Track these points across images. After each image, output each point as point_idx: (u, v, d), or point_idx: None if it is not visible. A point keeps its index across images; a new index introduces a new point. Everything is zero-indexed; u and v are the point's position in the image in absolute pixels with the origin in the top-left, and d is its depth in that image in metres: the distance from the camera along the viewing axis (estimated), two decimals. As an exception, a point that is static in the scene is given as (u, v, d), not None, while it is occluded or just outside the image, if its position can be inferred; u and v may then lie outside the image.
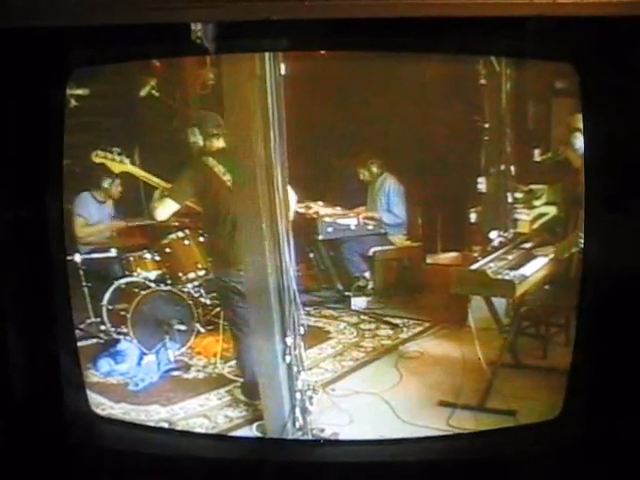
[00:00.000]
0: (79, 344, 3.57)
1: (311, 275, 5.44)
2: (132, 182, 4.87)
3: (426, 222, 5.48)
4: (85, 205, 4.96)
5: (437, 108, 4.84)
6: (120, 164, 4.65)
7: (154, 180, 4.63)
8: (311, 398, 4.10)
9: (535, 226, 4.67)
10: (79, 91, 4.15)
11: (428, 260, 5.44)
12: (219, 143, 4.46)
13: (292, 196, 4.40)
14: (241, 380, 4.51)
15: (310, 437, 3.98)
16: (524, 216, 4.71)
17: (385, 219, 5.41)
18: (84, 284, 4.74)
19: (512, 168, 4.84)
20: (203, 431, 4.19)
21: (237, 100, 3.85)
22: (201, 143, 4.47)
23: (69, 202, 4.57)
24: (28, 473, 3.21)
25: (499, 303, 4.51)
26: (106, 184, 4.98)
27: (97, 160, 4.60)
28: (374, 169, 5.38)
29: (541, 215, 4.62)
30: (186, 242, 5.07)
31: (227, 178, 4.35)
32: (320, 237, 5.40)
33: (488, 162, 4.87)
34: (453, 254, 5.27)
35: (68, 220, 4.50)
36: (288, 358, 3.97)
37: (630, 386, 2.94)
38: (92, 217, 5.01)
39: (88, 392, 3.53)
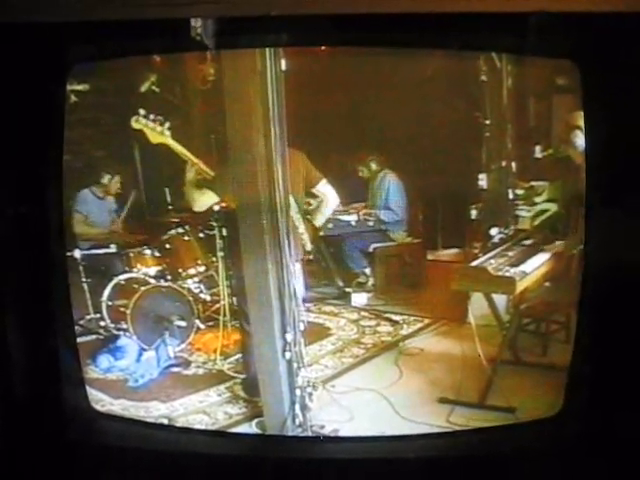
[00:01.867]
0: (79, 340, 3.57)
1: (311, 271, 5.44)
2: (132, 179, 4.87)
3: (426, 219, 5.48)
4: (85, 202, 4.96)
5: (438, 104, 4.83)
6: (160, 135, 4.43)
7: (191, 158, 4.49)
8: (311, 395, 4.10)
9: (536, 223, 4.66)
10: (79, 87, 4.14)
11: (428, 256, 5.45)
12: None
13: (332, 197, 4.42)
14: (243, 376, 4.51)
15: (310, 434, 3.98)
16: (525, 213, 4.71)
17: (385, 216, 5.41)
18: (84, 280, 4.75)
19: (513, 165, 4.84)
20: (203, 427, 4.19)
21: (237, 96, 3.84)
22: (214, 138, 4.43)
23: (69, 199, 4.56)
24: (28, 469, 3.21)
25: (499, 300, 4.51)
26: (105, 180, 4.98)
27: (137, 126, 4.38)
28: (373, 166, 5.38)
29: (542, 212, 4.61)
30: (186, 238, 5.07)
31: None
32: (320, 233, 5.40)
33: (489, 159, 4.87)
34: (453, 250, 5.27)
35: (68, 217, 4.49)
36: (288, 354, 3.97)
37: (630, 383, 2.94)
38: (92, 214, 5.00)
39: (88, 388, 3.53)
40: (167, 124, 4.38)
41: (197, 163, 4.47)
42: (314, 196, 4.59)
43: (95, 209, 5.03)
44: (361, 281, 5.43)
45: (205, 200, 4.51)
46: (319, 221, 4.74)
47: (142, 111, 4.35)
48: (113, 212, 5.12)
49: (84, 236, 4.92)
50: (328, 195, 4.61)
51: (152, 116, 4.35)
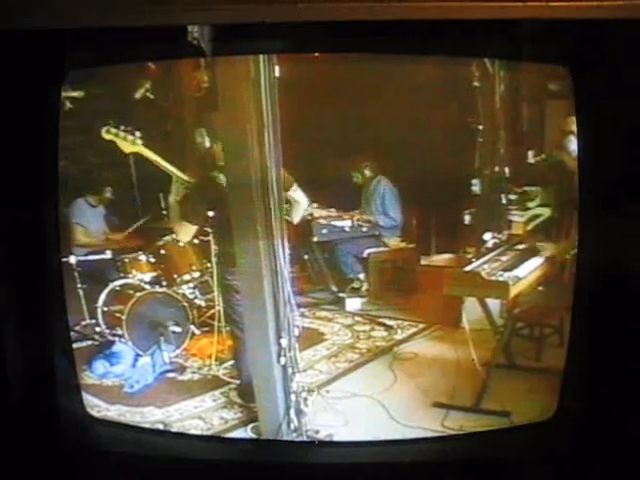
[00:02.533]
0: (74, 346, 3.57)
1: (305, 277, 5.44)
2: (126, 185, 4.87)
3: (420, 224, 5.48)
4: (81, 212, 4.96)
5: (431, 110, 4.84)
6: (131, 144, 4.48)
7: (165, 166, 4.53)
8: (306, 399, 4.11)
9: (529, 228, 4.68)
10: (74, 93, 4.15)
11: (422, 262, 5.44)
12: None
13: (301, 199, 4.43)
14: (238, 382, 4.51)
15: (305, 438, 3.99)
16: (518, 218, 4.72)
17: (379, 221, 5.42)
18: (79, 286, 4.73)
19: (506, 170, 4.84)
20: (198, 433, 4.20)
21: (231, 102, 3.85)
22: (208, 144, 4.46)
23: (65, 207, 4.55)
24: (23, 475, 3.21)
25: (493, 304, 4.52)
26: (94, 189, 4.97)
27: (107, 137, 4.43)
28: (367, 172, 5.39)
29: (535, 217, 4.63)
30: (181, 244, 5.07)
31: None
32: (315, 239, 5.40)
33: (482, 164, 4.88)
34: (447, 256, 5.27)
35: (65, 226, 4.49)
36: (283, 359, 3.98)
37: (623, 386, 2.95)
38: (90, 224, 5.00)
39: (83, 394, 3.53)
40: (138, 133, 4.44)
41: (172, 171, 4.51)
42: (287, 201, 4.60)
43: (92, 219, 5.03)
44: (355, 286, 5.43)
45: (186, 231, 4.62)
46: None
47: (112, 122, 4.40)
48: (107, 220, 5.11)
49: (80, 243, 4.93)
50: (300, 201, 4.62)
51: (122, 126, 4.41)
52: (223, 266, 4.53)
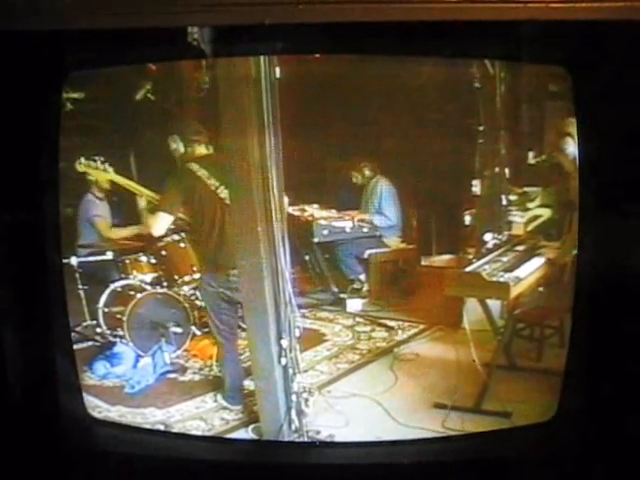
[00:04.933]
0: (75, 347, 3.57)
1: (306, 277, 5.45)
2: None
3: (420, 224, 5.50)
4: (94, 206, 4.99)
5: (431, 111, 4.85)
6: (104, 172, 4.67)
7: (138, 189, 4.68)
8: (307, 400, 4.11)
9: (529, 228, 4.69)
10: (75, 94, 4.16)
11: (423, 262, 5.46)
12: (201, 149, 4.51)
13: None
14: (225, 385, 4.54)
15: (306, 439, 3.99)
16: (518, 218, 4.73)
17: (378, 222, 5.43)
18: (80, 287, 4.75)
19: (506, 171, 4.85)
20: (199, 433, 4.20)
21: (232, 103, 3.85)
22: (182, 150, 4.52)
23: (71, 206, 4.59)
24: (25, 475, 3.21)
25: (494, 305, 4.53)
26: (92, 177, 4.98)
27: (80, 169, 4.62)
28: (367, 172, 5.40)
29: (535, 217, 4.63)
30: (182, 245, 5.08)
31: (212, 182, 4.37)
32: (315, 240, 5.41)
33: (482, 165, 4.89)
34: (448, 256, 5.29)
35: (77, 224, 4.56)
36: (284, 360, 3.98)
37: (624, 387, 2.95)
38: (107, 217, 5.04)
39: (84, 395, 3.53)
40: (108, 161, 4.63)
41: (144, 192, 4.62)
42: None
43: (105, 212, 5.05)
44: (356, 287, 5.44)
45: (159, 223, 4.61)
46: None
47: (82, 156, 4.58)
48: (114, 211, 5.13)
49: (111, 239, 5.00)
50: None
51: (94, 157, 4.60)
52: (210, 270, 4.56)
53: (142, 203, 4.75)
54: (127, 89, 4.74)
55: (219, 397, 4.53)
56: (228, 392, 4.48)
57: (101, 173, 4.65)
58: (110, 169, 4.65)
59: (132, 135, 4.90)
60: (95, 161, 4.60)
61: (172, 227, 5.00)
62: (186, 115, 4.83)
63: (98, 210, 5.02)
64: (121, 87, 4.65)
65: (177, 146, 4.55)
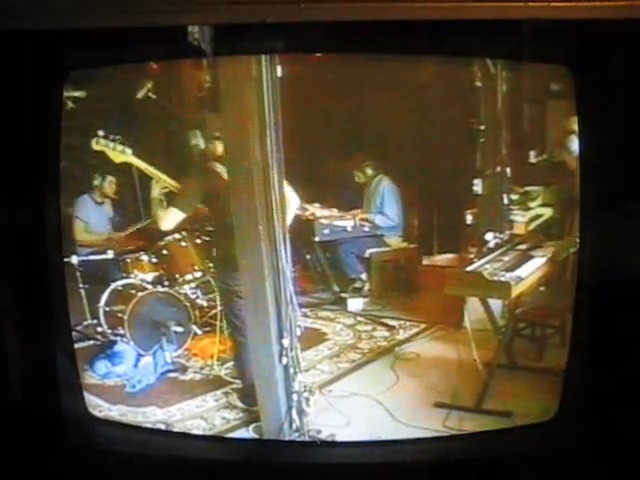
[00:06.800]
0: (76, 346, 3.58)
1: (307, 277, 5.44)
2: (127, 180, 4.86)
3: (422, 224, 5.48)
4: (84, 208, 4.95)
5: (432, 110, 4.84)
6: (121, 154, 4.52)
7: (157, 174, 4.56)
8: (308, 400, 4.10)
9: (531, 228, 4.68)
10: (75, 93, 4.15)
11: (424, 262, 5.44)
12: (221, 146, 4.44)
13: (293, 199, 4.41)
14: (238, 385, 4.51)
15: (307, 438, 3.99)
16: (520, 218, 4.72)
17: (380, 221, 5.41)
18: (81, 286, 4.73)
19: (508, 170, 4.84)
20: (200, 433, 4.19)
21: (234, 102, 3.85)
22: (203, 146, 4.47)
23: (68, 205, 4.56)
24: (26, 474, 3.22)
25: (495, 305, 4.52)
26: (97, 182, 4.96)
27: (97, 148, 4.48)
28: (369, 171, 5.38)
29: (537, 217, 4.62)
30: (183, 244, 5.06)
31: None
32: (316, 239, 5.40)
33: (484, 164, 4.87)
34: (449, 256, 5.27)
35: (67, 223, 4.50)
36: (285, 359, 3.98)
37: (625, 386, 2.95)
38: (91, 220, 4.99)
39: (85, 394, 3.54)
40: (127, 142, 4.46)
41: (162, 178, 4.52)
42: None
43: (94, 215, 5.02)
44: (357, 286, 5.42)
45: (171, 218, 4.56)
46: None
47: (101, 132, 4.42)
48: (111, 218, 5.11)
49: (83, 243, 4.92)
50: (292, 201, 4.61)
51: (112, 136, 4.42)
52: (224, 268, 4.52)
53: (155, 191, 4.66)
54: (128, 87, 4.72)
55: (233, 398, 4.51)
56: (245, 392, 4.44)
57: (118, 154, 4.56)
58: (128, 150, 4.54)
59: (145, 131, 4.88)
60: (114, 141, 4.47)
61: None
62: (204, 110, 4.75)
63: (83, 212, 4.97)
64: (122, 86, 4.64)
65: (197, 142, 4.51)
